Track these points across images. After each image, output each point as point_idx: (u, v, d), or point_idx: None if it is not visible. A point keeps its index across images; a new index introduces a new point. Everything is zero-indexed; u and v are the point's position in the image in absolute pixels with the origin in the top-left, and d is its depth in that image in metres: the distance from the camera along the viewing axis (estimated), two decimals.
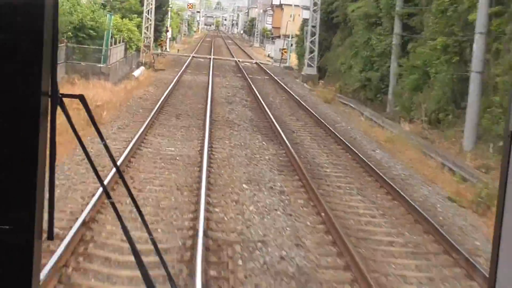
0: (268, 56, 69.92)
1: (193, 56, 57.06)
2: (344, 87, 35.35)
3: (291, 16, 57.20)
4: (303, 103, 29.68)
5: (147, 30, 42.65)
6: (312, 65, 42.10)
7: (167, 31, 60.06)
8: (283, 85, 37.34)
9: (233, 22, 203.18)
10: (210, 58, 55.77)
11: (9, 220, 1.65)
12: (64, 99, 1.83)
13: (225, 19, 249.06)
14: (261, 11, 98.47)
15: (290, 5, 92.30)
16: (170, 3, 60.50)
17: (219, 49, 78.27)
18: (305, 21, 46.13)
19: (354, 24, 35.77)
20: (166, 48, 60.71)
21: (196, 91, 30.52)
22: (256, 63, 56.20)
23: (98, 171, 2.13)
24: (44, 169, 1.74)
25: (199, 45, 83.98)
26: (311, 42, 42.39)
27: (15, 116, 1.65)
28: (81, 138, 1.99)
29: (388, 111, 29.46)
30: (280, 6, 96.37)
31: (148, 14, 42.10)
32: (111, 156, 2.20)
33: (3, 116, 1.64)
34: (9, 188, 1.65)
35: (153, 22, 42.66)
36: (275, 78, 41.19)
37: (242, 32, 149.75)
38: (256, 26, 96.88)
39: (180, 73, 38.70)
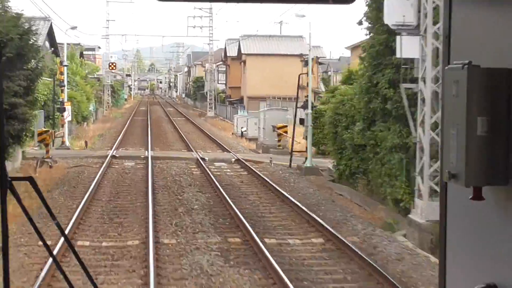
0: (242, 135, 42.32)
1: (113, 156, 29.01)
2: None
3: (309, 65, 28.93)
4: None
5: None
6: None
7: (62, 109, 31.98)
8: None
9: (170, 84, 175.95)
10: (146, 158, 27.93)
11: None
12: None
13: (160, 82, 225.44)
14: (214, 66, 71.14)
15: (259, 54, 65.69)
16: (60, 57, 32.79)
17: (160, 129, 50.18)
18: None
19: None
20: (63, 143, 32.56)
21: None
22: (238, 160, 28.46)
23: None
24: None
25: (128, 122, 55.80)
26: None
27: None
28: (32, 219, 2.10)
29: None
30: (239, 58, 69.64)
31: None
32: (63, 234, 2.60)
33: None
34: None
35: None
36: (363, 256, 13.47)
37: (183, 95, 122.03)
38: (208, 88, 69.39)
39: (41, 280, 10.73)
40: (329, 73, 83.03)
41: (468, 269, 2.01)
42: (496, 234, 1.90)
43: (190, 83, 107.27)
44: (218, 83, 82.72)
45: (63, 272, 2.37)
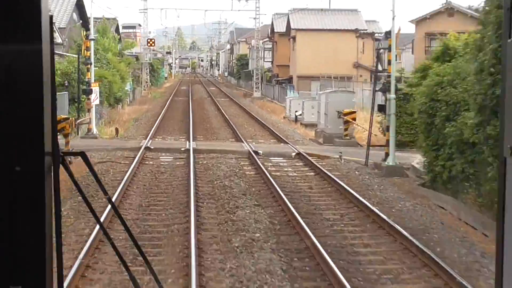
0: (296, 120, 37.07)
1: (147, 148, 24.07)
2: None
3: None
4: None
5: None
6: None
7: (88, 91, 27.13)
8: None
9: (212, 62, 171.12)
10: (187, 151, 22.96)
11: (20, 279, 1.63)
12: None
13: (202, 60, 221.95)
14: (261, 43, 65.37)
15: (310, 29, 60.04)
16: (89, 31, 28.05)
17: (203, 111, 45.20)
18: None
19: None
20: (90, 130, 27.87)
21: None
22: (299, 154, 23.21)
23: None
24: (51, 227, 1.73)
25: (168, 103, 50.94)
26: None
27: (20, 176, 1.63)
28: (84, 193, 2.16)
29: None
30: (287, 33, 64.14)
31: None
32: (115, 209, 2.41)
33: (8, 178, 1.62)
34: (18, 248, 1.64)
35: None
36: None
37: (226, 74, 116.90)
38: (254, 66, 63.61)
39: None
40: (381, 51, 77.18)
41: None
42: None
43: (234, 61, 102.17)
44: (264, 61, 77.62)
45: (110, 240, 2.39)
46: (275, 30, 68.37)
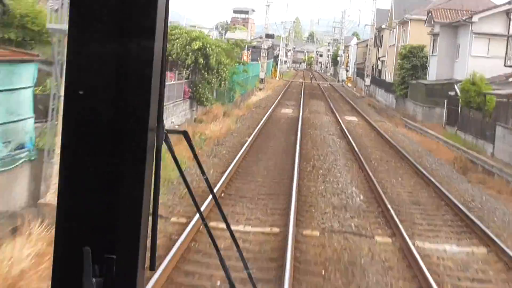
0: None
1: None
2: None
3: None
4: None
5: None
6: None
7: None
8: None
9: (338, 58, 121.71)
10: None
11: (115, 250, 1.68)
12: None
13: (320, 55, 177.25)
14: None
15: None
16: None
17: None
18: None
19: None
20: None
21: None
22: None
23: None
24: (149, 202, 1.77)
25: None
26: None
27: (122, 152, 1.67)
28: (183, 173, 2.04)
29: None
30: None
31: None
32: (211, 190, 2.29)
33: (112, 153, 1.65)
34: (116, 219, 1.68)
35: None
36: None
37: (368, 82, 66.94)
38: None
39: None
40: None
41: None
42: None
43: (398, 60, 51.63)
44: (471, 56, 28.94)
45: (207, 227, 2.23)
46: None
